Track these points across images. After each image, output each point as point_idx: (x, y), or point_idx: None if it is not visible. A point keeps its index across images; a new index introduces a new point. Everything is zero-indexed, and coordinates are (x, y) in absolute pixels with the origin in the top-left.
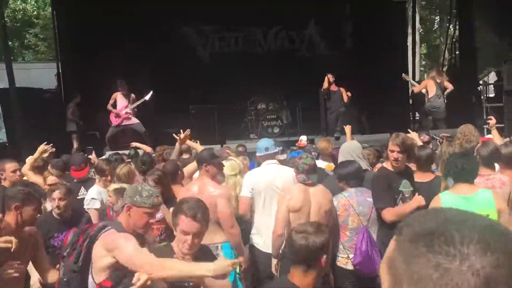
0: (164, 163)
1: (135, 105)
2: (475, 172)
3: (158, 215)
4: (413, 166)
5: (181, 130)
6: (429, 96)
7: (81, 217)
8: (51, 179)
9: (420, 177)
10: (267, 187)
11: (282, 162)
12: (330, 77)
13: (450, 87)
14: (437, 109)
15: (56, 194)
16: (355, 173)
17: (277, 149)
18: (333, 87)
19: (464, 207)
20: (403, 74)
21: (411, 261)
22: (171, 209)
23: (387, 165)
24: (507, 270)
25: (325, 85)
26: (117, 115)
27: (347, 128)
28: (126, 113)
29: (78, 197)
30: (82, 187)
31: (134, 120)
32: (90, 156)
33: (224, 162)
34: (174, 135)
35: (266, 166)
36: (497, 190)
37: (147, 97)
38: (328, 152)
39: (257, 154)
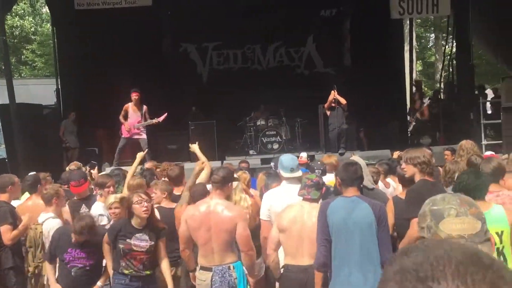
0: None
1: (147, 123)
2: (486, 188)
3: (142, 244)
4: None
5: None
6: None
7: (95, 235)
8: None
9: (403, 194)
10: None
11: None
12: (335, 93)
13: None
14: None
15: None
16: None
17: (300, 171)
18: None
19: None
20: None
21: None
22: None
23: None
24: None
25: (330, 98)
26: (129, 129)
27: None
28: (138, 128)
29: None
30: (84, 204)
31: (143, 136)
32: (92, 171)
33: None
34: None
35: (287, 186)
36: (508, 206)
37: (160, 119)
38: (336, 165)
39: (283, 175)
